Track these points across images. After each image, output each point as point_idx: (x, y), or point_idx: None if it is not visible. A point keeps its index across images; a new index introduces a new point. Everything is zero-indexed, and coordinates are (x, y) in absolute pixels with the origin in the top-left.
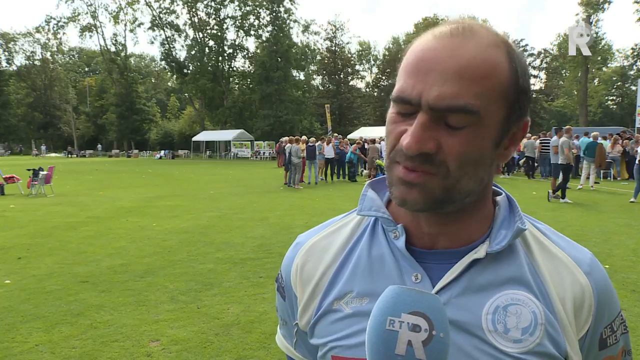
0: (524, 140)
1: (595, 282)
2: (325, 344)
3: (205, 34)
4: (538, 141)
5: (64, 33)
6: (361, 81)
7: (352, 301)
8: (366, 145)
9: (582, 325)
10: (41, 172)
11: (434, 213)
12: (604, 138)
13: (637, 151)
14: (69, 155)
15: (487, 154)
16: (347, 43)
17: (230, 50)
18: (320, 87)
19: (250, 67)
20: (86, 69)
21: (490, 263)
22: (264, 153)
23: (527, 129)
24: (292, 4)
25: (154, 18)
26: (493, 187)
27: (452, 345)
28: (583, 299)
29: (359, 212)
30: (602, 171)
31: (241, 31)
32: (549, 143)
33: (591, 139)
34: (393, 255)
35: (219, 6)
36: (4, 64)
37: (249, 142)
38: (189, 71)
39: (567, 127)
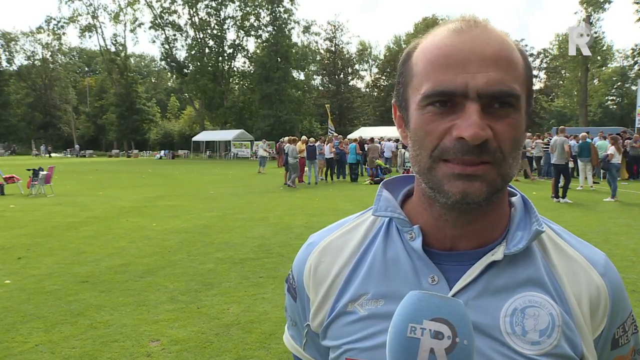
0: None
1: (610, 283)
2: (339, 346)
3: (205, 34)
4: (538, 141)
5: (63, 33)
6: (361, 81)
7: (367, 303)
8: (366, 146)
9: (597, 326)
10: (41, 172)
11: (465, 211)
12: (604, 138)
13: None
14: (49, 155)
15: (523, 140)
16: (347, 43)
17: (231, 50)
18: (320, 87)
19: (250, 67)
20: (86, 69)
21: (507, 265)
22: None
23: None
24: (292, 5)
25: (154, 18)
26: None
27: None
28: (599, 300)
29: (374, 212)
30: (602, 171)
31: (241, 31)
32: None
33: (581, 141)
34: (409, 257)
35: (219, 6)
36: (4, 64)
37: (249, 142)
38: (189, 71)
39: (561, 127)
